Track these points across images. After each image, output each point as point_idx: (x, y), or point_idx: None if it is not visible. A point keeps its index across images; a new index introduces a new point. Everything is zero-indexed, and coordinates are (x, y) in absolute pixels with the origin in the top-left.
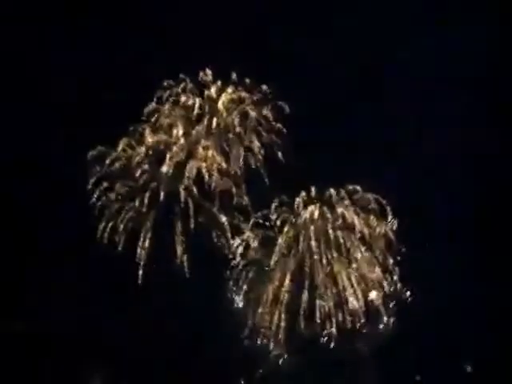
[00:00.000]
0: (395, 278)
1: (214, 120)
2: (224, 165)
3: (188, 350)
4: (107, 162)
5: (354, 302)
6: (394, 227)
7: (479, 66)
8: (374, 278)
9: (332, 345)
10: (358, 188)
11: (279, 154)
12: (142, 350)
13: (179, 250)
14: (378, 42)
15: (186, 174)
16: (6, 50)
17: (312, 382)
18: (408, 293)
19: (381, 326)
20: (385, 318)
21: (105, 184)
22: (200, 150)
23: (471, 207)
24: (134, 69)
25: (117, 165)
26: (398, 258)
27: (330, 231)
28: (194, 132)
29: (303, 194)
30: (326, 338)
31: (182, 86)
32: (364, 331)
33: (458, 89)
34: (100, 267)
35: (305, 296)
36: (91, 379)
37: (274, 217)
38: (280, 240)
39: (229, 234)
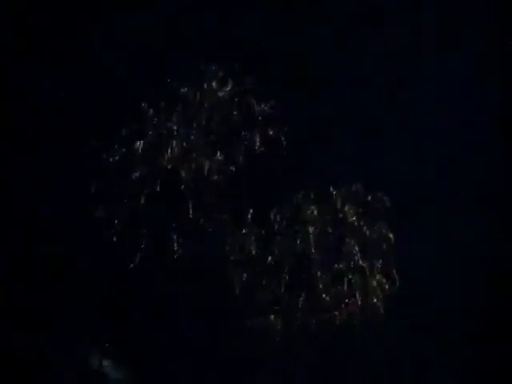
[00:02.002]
0: (396, 281)
1: (215, 114)
2: (223, 159)
3: (189, 337)
4: (105, 155)
5: (352, 305)
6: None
7: None
8: (374, 281)
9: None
10: (360, 187)
11: (280, 150)
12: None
13: (176, 244)
14: None
15: (185, 169)
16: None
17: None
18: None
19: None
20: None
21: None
22: (200, 144)
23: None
24: (135, 62)
25: (116, 157)
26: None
27: (330, 231)
28: (193, 126)
29: (303, 192)
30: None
31: (182, 78)
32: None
33: None
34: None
35: (302, 295)
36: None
37: (273, 214)
38: (278, 238)
39: (227, 230)
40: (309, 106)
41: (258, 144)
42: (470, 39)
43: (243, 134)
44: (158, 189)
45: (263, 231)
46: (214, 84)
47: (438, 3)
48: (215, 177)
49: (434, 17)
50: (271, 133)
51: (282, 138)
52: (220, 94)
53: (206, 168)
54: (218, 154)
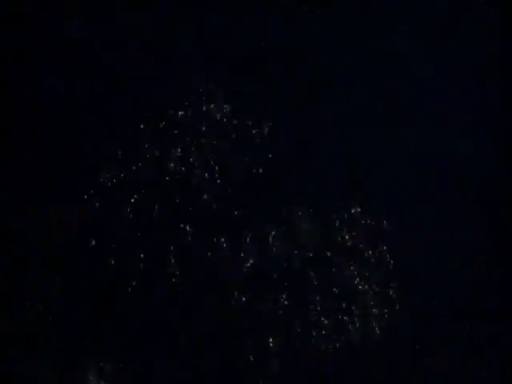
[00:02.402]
0: (396, 305)
1: (213, 132)
2: (220, 175)
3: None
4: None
5: (350, 324)
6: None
7: None
8: (372, 302)
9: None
10: (359, 210)
11: (277, 165)
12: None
13: (172, 258)
14: None
15: (184, 184)
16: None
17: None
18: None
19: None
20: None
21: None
22: (198, 162)
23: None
24: (135, 62)
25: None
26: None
27: (328, 253)
28: (192, 144)
29: (300, 210)
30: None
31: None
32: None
33: None
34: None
35: (301, 316)
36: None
37: (270, 230)
38: (276, 258)
39: (224, 248)
40: (309, 106)
41: (256, 161)
42: (470, 39)
43: (243, 151)
44: (158, 206)
45: (261, 249)
46: (213, 101)
47: (438, 3)
48: (213, 195)
49: (434, 17)
50: (270, 147)
51: (282, 149)
52: (219, 110)
53: (205, 186)
54: (216, 172)
